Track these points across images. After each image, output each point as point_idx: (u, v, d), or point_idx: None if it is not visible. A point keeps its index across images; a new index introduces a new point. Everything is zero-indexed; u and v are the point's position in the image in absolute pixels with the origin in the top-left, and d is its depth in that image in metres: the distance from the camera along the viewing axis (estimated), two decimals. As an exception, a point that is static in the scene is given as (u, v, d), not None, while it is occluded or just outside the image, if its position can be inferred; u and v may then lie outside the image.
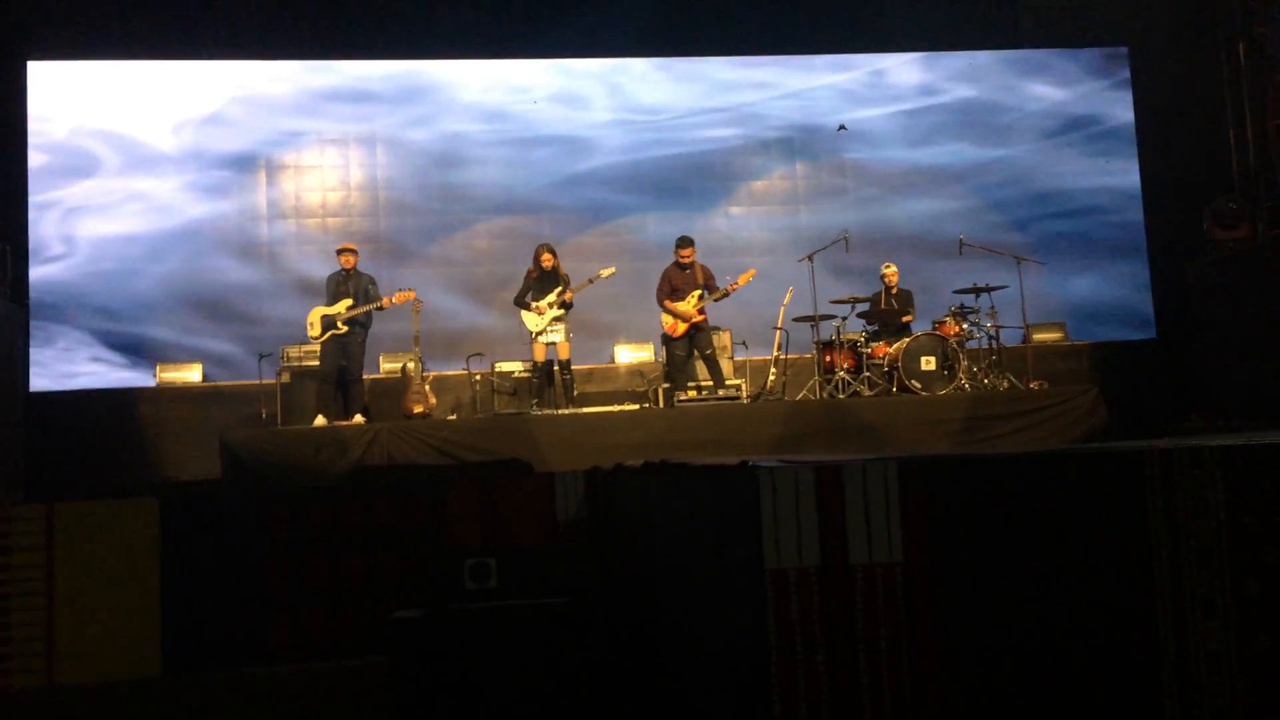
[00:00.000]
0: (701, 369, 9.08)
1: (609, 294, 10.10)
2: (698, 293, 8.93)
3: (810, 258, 9.27)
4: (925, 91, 11.24)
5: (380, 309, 8.67)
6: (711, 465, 2.94)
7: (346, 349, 8.53)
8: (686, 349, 8.97)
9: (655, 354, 10.05)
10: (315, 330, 8.56)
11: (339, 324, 8.46)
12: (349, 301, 8.55)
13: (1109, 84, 11.20)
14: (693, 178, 11.04)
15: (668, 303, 8.96)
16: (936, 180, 11.23)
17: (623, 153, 11.03)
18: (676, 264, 9.02)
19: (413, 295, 8.61)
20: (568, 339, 8.84)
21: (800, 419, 7.80)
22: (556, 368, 8.82)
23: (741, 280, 8.92)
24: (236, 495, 6.09)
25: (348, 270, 8.63)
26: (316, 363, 8.71)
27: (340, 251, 8.76)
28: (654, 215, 11.00)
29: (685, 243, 9.07)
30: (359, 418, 8.35)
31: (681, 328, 8.91)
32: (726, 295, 8.95)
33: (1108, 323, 10.84)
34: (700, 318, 8.94)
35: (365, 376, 9.00)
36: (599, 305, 10.33)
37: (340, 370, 8.51)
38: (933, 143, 11.23)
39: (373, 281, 8.74)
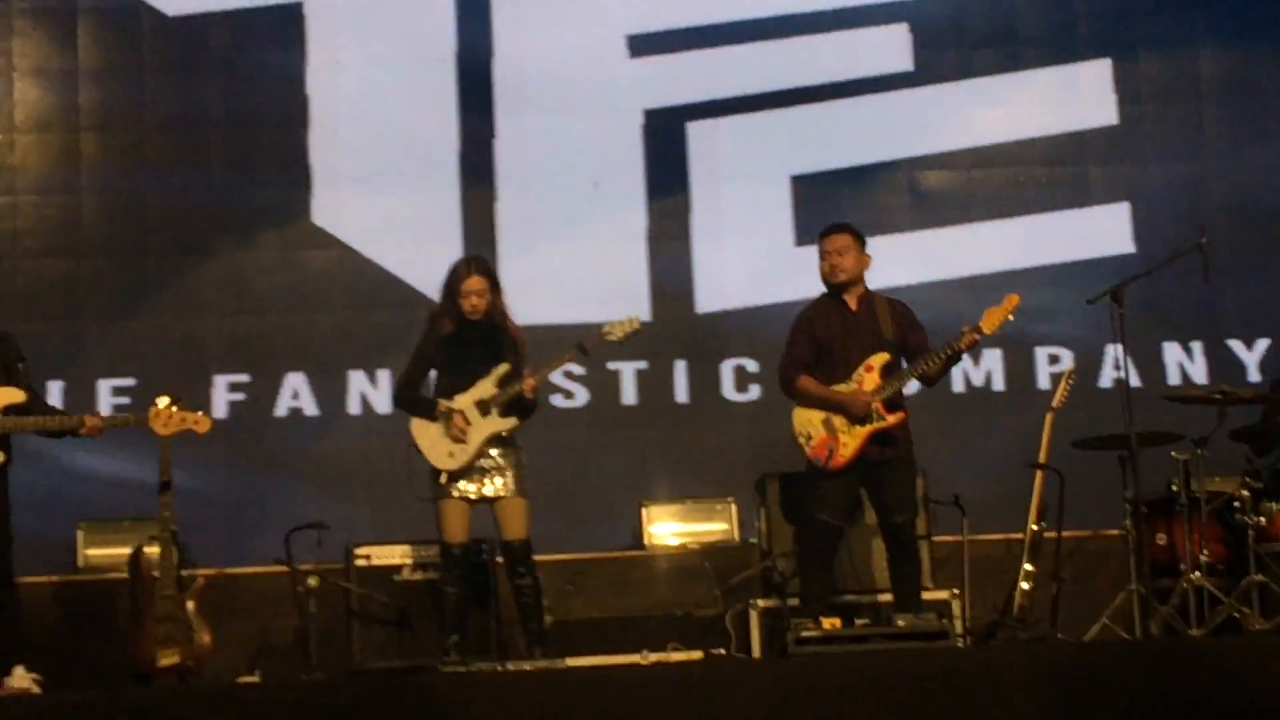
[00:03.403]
0: (871, 554, 9.20)
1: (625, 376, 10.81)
2: (883, 358, 8.70)
3: (1116, 293, 9.05)
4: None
5: (66, 431, 8.64)
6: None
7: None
8: (846, 504, 8.85)
9: (740, 520, 10.26)
10: None
11: None
12: None
13: None
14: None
15: (806, 383, 8.80)
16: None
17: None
18: (826, 293, 8.97)
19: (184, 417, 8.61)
20: (523, 489, 8.79)
21: (1094, 682, 7.46)
22: (501, 558, 8.93)
23: (990, 323, 8.78)
24: None
25: None
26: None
27: None
28: (731, 186, 11.63)
29: (838, 233, 8.98)
30: (22, 676, 8.25)
31: (850, 447, 8.67)
32: (955, 361, 8.96)
33: None
34: (891, 421, 8.74)
35: (31, 579, 9.20)
36: (604, 403, 10.87)
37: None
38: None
39: (19, 355, 8.74)
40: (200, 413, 8.71)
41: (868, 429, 8.57)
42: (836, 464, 8.58)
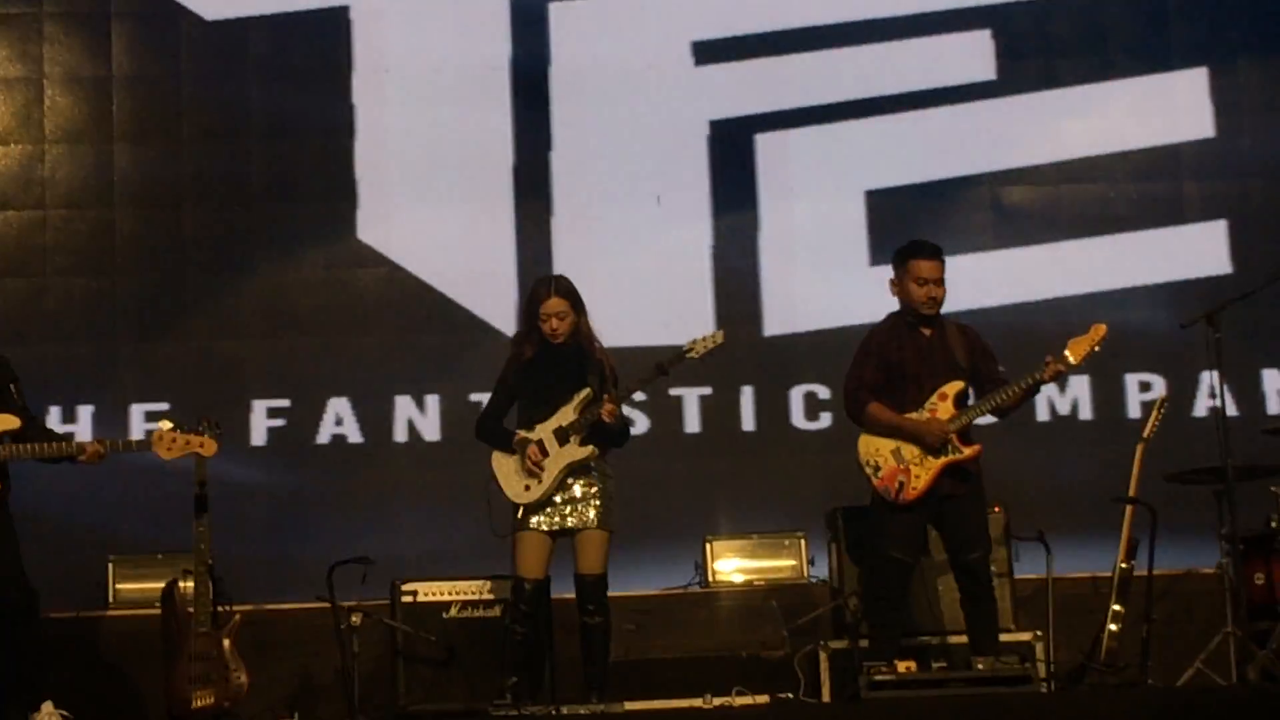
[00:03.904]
0: (941, 592, 9.16)
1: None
2: (958, 386, 8.61)
3: (1212, 316, 9.03)
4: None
5: (64, 457, 8.61)
6: None
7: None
8: (917, 540, 8.80)
9: (809, 557, 10.19)
10: None
11: None
12: None
13: None
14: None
15: (877, 409, 8.75)
16: None
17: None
18: (906, 311, 8.95)
19: (205, 446, 8.64)
20: (604, 522, 8.68)
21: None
22: (577, 595, 8.76)
23: (1075, 353, 8.67)
24: None
25: None
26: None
27: None
28: (801, 202, 11.64)
29: (924, 255, 8.95)
30: (50, 713, 8.35)
31: (923, 479, 8.58)
32: (1034, 392, 8.92)
33: None
34: (968, 453, 8.69)
35: (60, 614, 9.28)
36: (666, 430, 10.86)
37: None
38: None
39: (13, 377, 8.79)
40: (205, 435, 8.67)
41: (942, 461, 8.54)
42: (908, 497, 8.58)
